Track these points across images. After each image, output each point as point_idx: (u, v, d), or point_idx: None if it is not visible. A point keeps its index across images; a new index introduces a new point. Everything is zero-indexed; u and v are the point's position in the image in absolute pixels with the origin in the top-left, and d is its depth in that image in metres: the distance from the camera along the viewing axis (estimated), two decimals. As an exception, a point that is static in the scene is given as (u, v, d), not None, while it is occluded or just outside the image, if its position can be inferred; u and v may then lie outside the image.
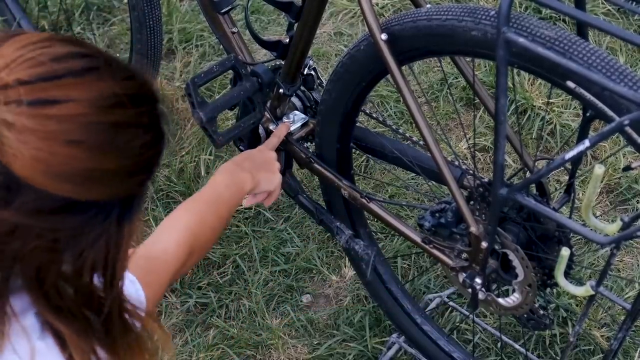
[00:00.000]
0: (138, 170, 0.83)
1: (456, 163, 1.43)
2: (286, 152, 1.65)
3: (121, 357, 0.91)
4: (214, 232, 1.38)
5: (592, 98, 1.05)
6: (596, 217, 1.14)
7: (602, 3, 2.53)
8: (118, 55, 2.55)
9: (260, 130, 1.66)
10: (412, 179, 2.13)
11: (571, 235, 1.38)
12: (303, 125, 1.63)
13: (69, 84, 0.77)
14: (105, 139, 0.78)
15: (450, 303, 1.87)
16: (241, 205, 1.61)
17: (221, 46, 2.18)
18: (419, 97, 2.25)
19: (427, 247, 1.42)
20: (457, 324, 1.87)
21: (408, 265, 2.01)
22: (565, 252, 1.13)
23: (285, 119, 1.64)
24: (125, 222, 0.84)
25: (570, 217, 1.33)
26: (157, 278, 1.18)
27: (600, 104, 1.05)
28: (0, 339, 0.82)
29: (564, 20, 2.48)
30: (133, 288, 1.04)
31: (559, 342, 1.83)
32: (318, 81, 1.64)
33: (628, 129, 1.03)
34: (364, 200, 1.53)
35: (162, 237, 1.28)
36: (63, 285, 0.84)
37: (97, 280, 0.87)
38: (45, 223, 0.79)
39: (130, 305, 0.92)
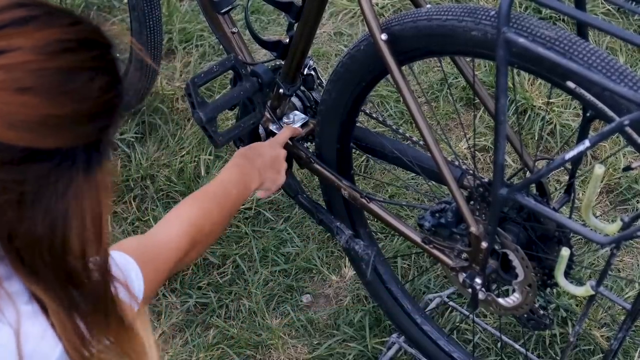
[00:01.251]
0: (97, 115, 0.82)
1: (456, 163, 1.43)
2: (286, 152, 1.65)
3: (111, 337, 0.90)
4: (217, 227, 1.38)
5: (592, 98, 1.05)
6: (596, 217, 1.14)
7: (602, 3, 2.53)
8: (118, 55, 2.55)
9: (260, 130, 1.66)
10: (412, 179, 2.13)
11: (571, 235, 1.37)
12: (303, 125, 1.63)
13: (13, 34, 0.77)
14: (55, 83, 0.78)
15: (450, 303, 1.87)
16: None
17: (221, 46, 2.18)
18: (419, 97, 2.25)
19: (427, 247, 1.42)
20: (457, 324, 1.87)
21: (408, 265, 2.01)
22: (565, 252, 1.13)
23: (285, 119, 1.64)
24: (92, 171, 0.83)
25: (570, 217, 1.33)
26: (157, 265, 1.18)
27: (600, 104, 1.05)
28: None
29: (564, 20, 2.48)
30: (133, 272, 1.04)
31: (559, 342, 1.83)
32: (318, 81, 1.64)
33: (628, 129, 1.03)
34: (364, 200, 1.53)
35: (166, 227, 1.28)
36: (40, 250, 0.82)
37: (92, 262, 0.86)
38: (9, 175, 0.78)
39: (119, 282, 0.91)
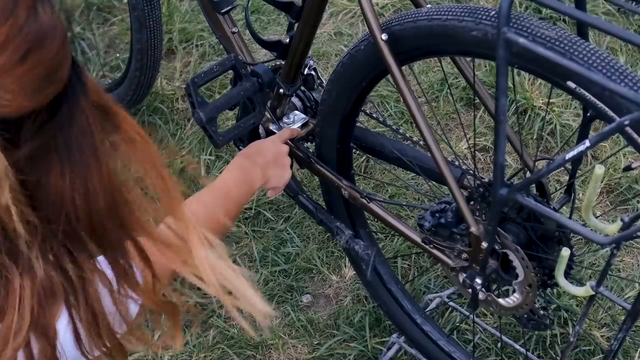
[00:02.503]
0: (45, 39, 0.81)
1: (456, 163, 1.43)
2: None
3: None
4: (220, 228, 1.38)
5: (593, 98, 1.05)
6: (596, 217, 1.14)
7: (603, 3, 2.53)
8: (118, 55, 2.55)
9: (260, 130, 1.66)
10: (412, 179, 2.13)
11: (571, 235, 1.37)
12: (303, 126, 1.63)
13: None
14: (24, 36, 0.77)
15: (451, 303, 1.87)
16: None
17: (221, 46, 2.18)
18: (419, 97, 2.25)
19: (427, 247, 1.42)
20: (458, 324, 1.87)
21: (408, 265, 2.01)
22: (565, 252, 1.13)
23: (285, 119, 1.64)
24: (87, 97, 0.84)
25: (570, 217, 1.33)
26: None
27: (600, 104, 1.05)
28: None
29: (564, 21, 2.48)
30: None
31: (559, 343, 1.83)
32: (318, 81, 1.64)
33: (628, 129, 1.03)
34: (364, 200, 1.53)
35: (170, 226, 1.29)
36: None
37: None
38: (47, 132, 0.80)
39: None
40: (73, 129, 0.84)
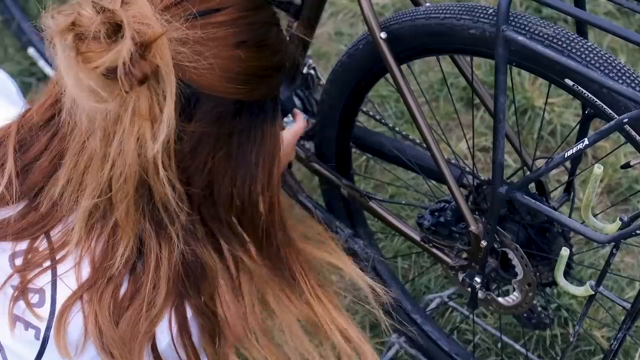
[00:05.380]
0: (281, 67, 0.92)
1: (454, 162, 1.43)
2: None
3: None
4: None
5: (591, 96, 1.05)
6: (596, 216, 1.14)
7: (603, 3, 2.53)
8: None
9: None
10: (412, 178, 2.13)
11: (571, 234, 1.37)
12: (303, 125, 1.63)
13: None
14: (262, 36, 0.88)
15: (451, 303, 1.87)
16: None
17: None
18: (418, 97, 2.24)
19: (426, 246, 1.42)
20: (458, 324, 1.87)
21: (408, 265, 2.01)
22: (564, 251, 1.12)
23: (284, 118, 1.63)
24: (275, 123, 0.93)
25: (570, 216, 1.32)
26: None
27: (599, 102, 1.04)
28: None
29: (565, 21, 2.47)
30: None
31: (559, 343, 1.82)
32: (318, 80, 1.63)
33: (627, 127, 1.03)
34: (363, 200, 1.53)
35: None
36: (234, 202, 0.92)
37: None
38: (223, 128, 0.87)
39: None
40: (251, 138, 0.90)
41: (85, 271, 0.91)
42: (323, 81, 1.61)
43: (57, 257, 0.91)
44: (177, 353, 0.94)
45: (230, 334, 0.97)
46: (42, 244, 0.93)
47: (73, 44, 0.79)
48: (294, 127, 1.56)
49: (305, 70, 1.59)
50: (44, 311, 0.92)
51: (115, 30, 0.78)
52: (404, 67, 1.31)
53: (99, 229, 0.90)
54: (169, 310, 0.92)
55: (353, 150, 1.60)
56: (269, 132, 0.92)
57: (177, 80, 0.81)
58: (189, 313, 0.94)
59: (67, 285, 0.91)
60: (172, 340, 0.93)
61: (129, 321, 0.89)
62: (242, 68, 0.85)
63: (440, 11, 1.19)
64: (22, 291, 0.91)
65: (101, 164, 0.85)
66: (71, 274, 0.91)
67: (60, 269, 0.91)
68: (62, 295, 0.91)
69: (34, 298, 0.92)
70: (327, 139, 1.55)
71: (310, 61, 1.60)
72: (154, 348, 0.92)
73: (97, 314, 0.89)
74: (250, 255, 0.96)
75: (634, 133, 1.04)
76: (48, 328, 0.92)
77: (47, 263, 0.92)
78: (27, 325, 0.93)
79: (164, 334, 0.93)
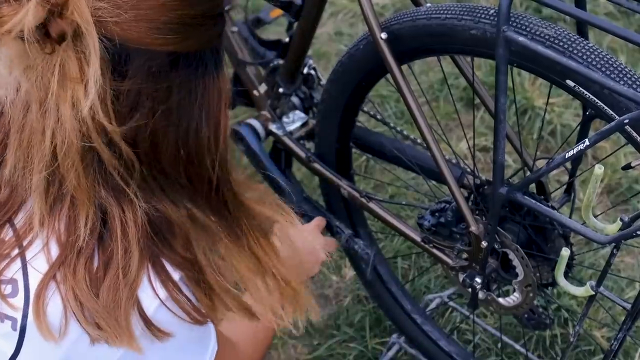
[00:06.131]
0: (218, 17, 0.89)
1: (455, 162, 1.43)
2: (286, 151, 1.65)
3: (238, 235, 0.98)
4: None
5: (592, 97, 1.05)
6: (596, 217, 1.14)
7: (603, 3, 2.53)
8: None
9: (260, 129, 1.65)
10: (413, 178, 2.13)
11: (571, 235, 1.37)
12: (303, 125, 1.63)
13: None
14: None
15: (451, 303, 1.87)
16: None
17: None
18: (419, 97, 2.24)
19: (427, 246, 1.41)
20: (458, 324, 1.87)
21: (408, 265, 2.01)
22: (565, 252, 1.12)
23: (285, 119, 1.64)
24: (218, 76, 0.90)
25: (570, 217, 1.32)
26: None
27: (599, 103, 1.04)
28: None
29: (564, 21, 2.47)
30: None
31: (559, 343, 1.82)
32: (318, 80, 1.63)
33: (628, 128, 1.03)
34: (363, 200, 1.53)
35: None
36: (180, 159, 0.91)
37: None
38: (160, 83, 0.84)
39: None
40: (192, 93, 0.88)
41: (54, 251, 0.90)
42: (323, 81, 1.61)
43: (24, 244, 0.91)
44: (173, 312, 0.94)
45: (214, 281, 0.97)
46: (7, 234, 0.92)
47: None
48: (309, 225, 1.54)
49: (305, 71, 1.59)
50: (18, 300, 0.91)
51: None
52: (404, 67, 1.31)
53: (59, 206, 0.89)
54: (147, 271, 0.91)
55: (353, 150, 1.60)
56: (212, 85, 0.89)
57: (101, 36, 0.79)
58: (170, 268, 0.93)
59: (38, 270, 0.90)
60: (162, 301, 0.92)
61: (109, 290, 0.89)
62: (168, 17, 0.83)
63: (441, 12, 1.19)
64: None
65: (42, 137, 0.84)
66: (40, 256, 0.90)
67: (29, 254, 0.91)
68: (35, 280, 0.90)
69: (7, 289, 0.91)
70: (327, 139, 1.55)
71: (311, 61, 1.60)
72: (143, 315, 0.92)
73: (75, 289, 0.88)
74: (201, 209, 0.95)
75: (634, 134, 1.04)
76: (24, 316, 0.91)
77: (15, 251, 0.91)
78: (3, 317, 0.92)
79: (150, 297, 0.92)
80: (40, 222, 0.90)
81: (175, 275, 0.94)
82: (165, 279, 0.92)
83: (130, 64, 0.83)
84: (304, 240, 1.47)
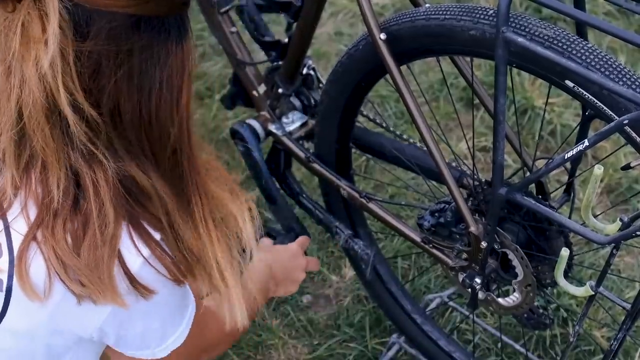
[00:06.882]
0: None
1: (454, 164, 1.43)
2: (285, 151, 1.65)
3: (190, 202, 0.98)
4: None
5: (591, 97, 1.05)
6: (596, 217, 1.14)
7: (602, 3, 2.53)
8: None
9: (260, 129, 1.65)
10: (412, 179, 2.13)
11: (571, 235, 1.37)
12: (302, 125, 1.63)
13: None
14: None
15: (451, 303, 1.87)
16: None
17: (220, 46, 2.17)
18: (418, 98, 2.24)
19: (426, 246, 1.41)
20: (458, 324, 1.87)
21: (408, 265, 2.01)
22: (564, 252, 1.12)
23: (284, 119, 1.64)
24: (182, 42, 0.91)
25: (570, 217, 1.32)
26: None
27: (599, 104, 1.05)
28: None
29: (564, 21, 2.47)
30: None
31: (559, 343, 1.82)
32: (317, 81, 1.63)
33: (627, 129, 1.03)
34: (363, 200, 1.53)
35: None
36: (143, 124, 0.92)
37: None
38: (121, 45, 0.85)
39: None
40: (154, 57, 0.89)
41: (32, 212, 0.91)
42: (323, 81, 1.61)
43: (4, 206, 0.92)
44: (156, 269, 0.95)
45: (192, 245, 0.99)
46: None
47: None
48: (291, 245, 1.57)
49: (305, 71, 1.59)
50: (3, 262, 0.92)
51: None
52: (403, 67, 1.31)
53: (33, 169, 0.91)
54: (128, 230, 0.93)
55: (353, 150, 1.60)
56: (174, 50, 0.90)
57: None
58: (150, 229, 0.95)
59: (19, 232, 0.92)
60: (145, 258, 0.94)
61: (89, 249, 0.90)
62: None
63: (440, 12, 1.19)
64: None
65: (8, 97, 0.85)
66: (20, 219, 0.92)
67: (10, 216, 0.92)
68: (17, 241, 0.92)
69: None
70: (327, 139, 1.55)
71: (310, 61, 1.60)
72: (127, 272, 0.93)
73: (56, 248, 0.89)
74: (162, 179, 0.96)
75: (634, 134, 1.04)
76: (10, 277, 0.92)
77: None
78: None
79: (133, 255, 0.94)
80: (13, 185, 0.91)
81: (157, 235, 0.95)
82: (148, 239, 0.94)
83: (91, 25, 0.84)
84: (281, 261, 1.50)
